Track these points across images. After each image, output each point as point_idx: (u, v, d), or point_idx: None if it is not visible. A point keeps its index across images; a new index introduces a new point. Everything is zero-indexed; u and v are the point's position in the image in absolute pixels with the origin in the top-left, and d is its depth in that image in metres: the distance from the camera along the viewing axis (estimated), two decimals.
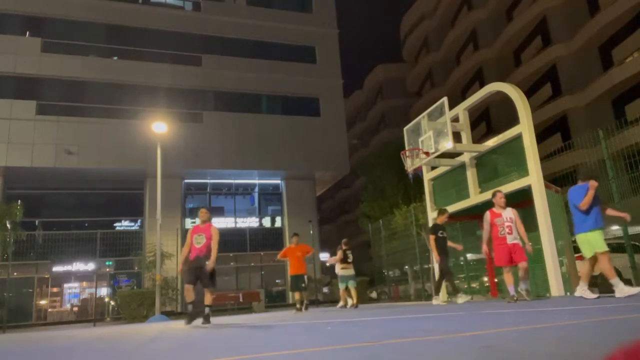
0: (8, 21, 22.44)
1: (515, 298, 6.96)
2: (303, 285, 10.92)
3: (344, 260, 11.14)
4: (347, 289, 11.36)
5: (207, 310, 7.00)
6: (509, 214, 7.28)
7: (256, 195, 26.03)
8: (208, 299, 6.95)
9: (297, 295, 11.31)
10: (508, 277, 7.10)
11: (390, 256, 16.76)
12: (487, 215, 7.36)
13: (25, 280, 20.74)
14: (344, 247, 11.23)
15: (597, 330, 2.55)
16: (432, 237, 9.08)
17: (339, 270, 11.33)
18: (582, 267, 6.46)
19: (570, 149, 13.16)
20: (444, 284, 9.75)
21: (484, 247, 7.57)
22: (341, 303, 11.64)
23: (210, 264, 6.89)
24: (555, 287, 8.10)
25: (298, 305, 11.13)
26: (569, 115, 24.28)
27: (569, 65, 24.81)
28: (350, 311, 9.28)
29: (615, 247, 11.33)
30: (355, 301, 11.18)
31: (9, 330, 15.14)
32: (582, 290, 6.20)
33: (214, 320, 8.10)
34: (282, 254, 11.42)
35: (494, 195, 7.50)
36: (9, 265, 16.13)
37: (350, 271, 11.19)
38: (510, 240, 7.08)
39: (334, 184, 30.97)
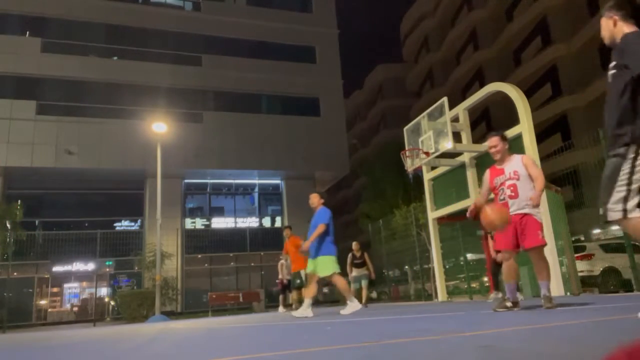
0: (8, 21, 22.44)
1: (511, 302, 4.65)
2: (298, 281, 10.35)
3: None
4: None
5: None
6: (516, 166, 4.59)
7: (256, 195, 26.03)
8: None
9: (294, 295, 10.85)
10: (507, 269, 4.59)
11: (390, 256, 16.78)
12: (486, 174, 4.86)
13: (25, 280, 20.73)
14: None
15: (597, 330, 2.55)
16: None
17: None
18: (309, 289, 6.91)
19: (570, 149, 13.17)
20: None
21: (470, 210, 4.81)
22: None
23: None
24: (555, 287, 8.10)
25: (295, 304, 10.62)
26: (569, 115, 24.27)
27: (569, 65, 24.81)
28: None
29: (615, 247, 11.36)
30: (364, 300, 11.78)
31: (8, 330, 15.13)
32: (306, 309, 6.68)
33: (214, 320, 8.03)
34: (284, 250, 11.03)
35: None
36: (9, 265, 16.14)
37: (362, 271, 11.67)
38: (515, 208, 4.46)
39: (334, 184, 30.96)
